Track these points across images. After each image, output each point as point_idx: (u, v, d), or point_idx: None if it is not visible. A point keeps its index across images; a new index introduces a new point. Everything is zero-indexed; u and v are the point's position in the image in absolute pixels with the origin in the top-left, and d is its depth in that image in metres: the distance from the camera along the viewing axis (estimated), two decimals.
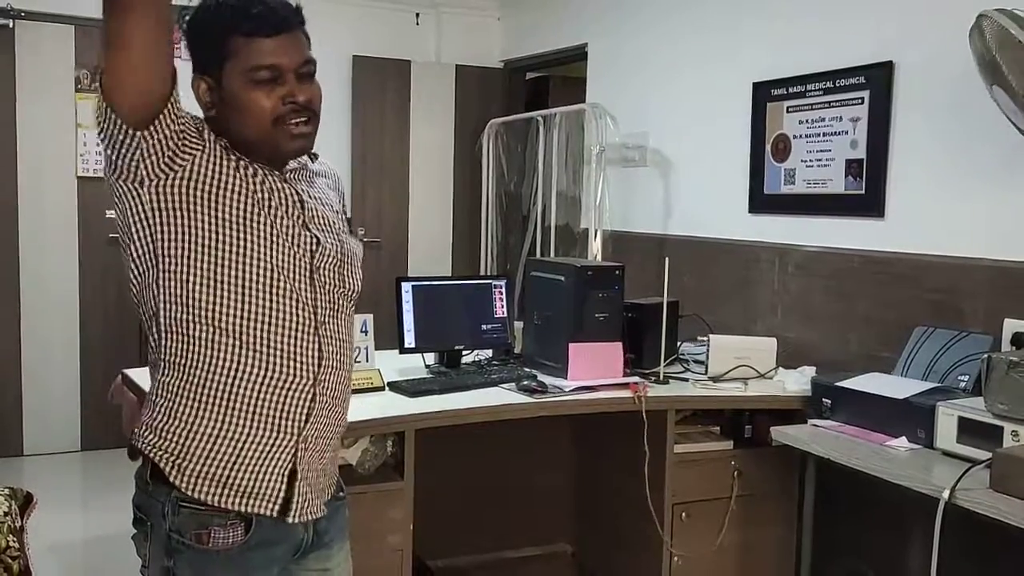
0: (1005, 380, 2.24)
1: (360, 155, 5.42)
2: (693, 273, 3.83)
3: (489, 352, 3.17)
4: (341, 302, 1.62)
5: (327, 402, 1.59)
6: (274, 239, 1.51)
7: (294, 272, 1.53)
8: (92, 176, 4.83)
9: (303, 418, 1.55)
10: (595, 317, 2.88)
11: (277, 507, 1.54)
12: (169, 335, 1.50)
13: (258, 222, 1.50)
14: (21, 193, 4.81)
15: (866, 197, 3.19)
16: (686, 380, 3.00)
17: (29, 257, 4.85)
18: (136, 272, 1.52)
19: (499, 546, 3.36)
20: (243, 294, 1.49)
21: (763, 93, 3.61)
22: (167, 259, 1.47)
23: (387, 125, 5.50)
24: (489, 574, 3.32)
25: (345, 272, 1.63)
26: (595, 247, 4.18)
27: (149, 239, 1.48)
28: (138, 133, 1.39)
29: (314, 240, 1.57)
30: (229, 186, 1.49)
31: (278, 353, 1.52)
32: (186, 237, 1.47)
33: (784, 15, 3.54)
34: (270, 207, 1.52)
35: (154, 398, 1.55)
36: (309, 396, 1.55)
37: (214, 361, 1.49)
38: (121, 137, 1.39)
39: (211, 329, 1.48)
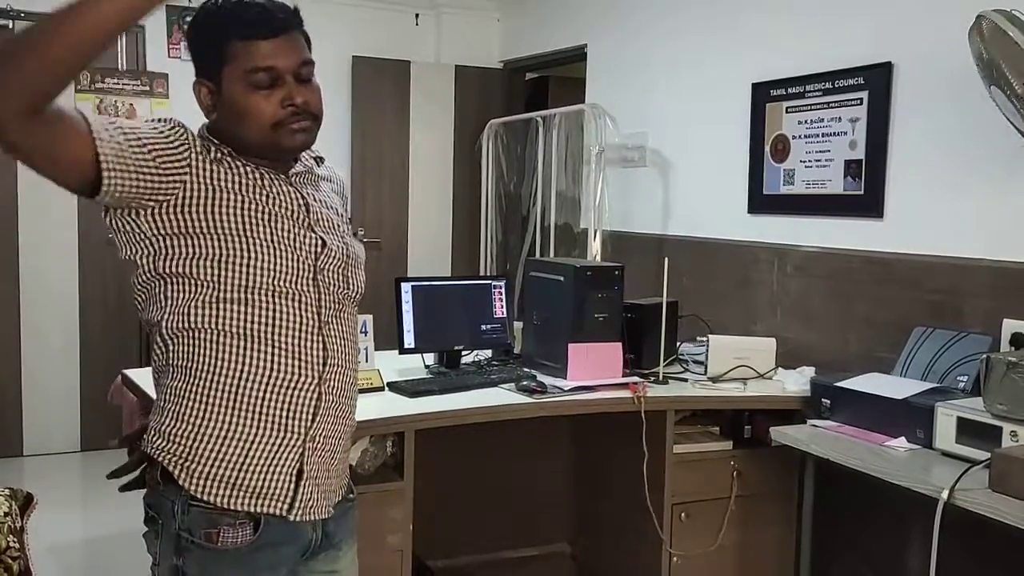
0: (1004, 380, 2.25)
1: (360, 156, 5.42)
2: (692, 273, 3.84)
3: (489, 352, 3.18)
4: (344, 302, 1.64)
5: (333, 401, 1.60)
6: (276, 244, 1.51)
7: (298, 274, 1.54)
8: None
9: (309, 417, 1.56)
10: (595, 317, 2.88)
11: (286, 506, 1.54)
12: (175, 340, 1.52)
13: (259, 231, 1.50)
14: (21, 193, 4.81)
15: (865, 197, 3.19)
16: (685, 380, 3.00)
17: (29, 257, 4.86)
18: (141, 287, 1.54)
19: (499, 546, 3.36)
20: (248, 300, 1.50)
21: (762, 94, 3.61)
22: (172, 276, 1.49)
23: (387, 125, 5.50)
24: (489, 574, 3.33)
25: (348, 273, 1.64)
26: (594, 247, 4.18)
27: (152, 261, 1.49)
28: (102, 195, 1.37)
29: (319, 242, 1.58)
30: (227, 201, 1.49)
31: (283, 353, 1.52)
32: (189, 255, 1.48)
33: (783, 16, 3.55)
34: (271, 214, 1.52)
35: (162, 403, 1.56)
36: (315, 395, 1.56)
37: (220, 363, 1.50)
38: (89, 197, 1.39)
39: (216, 332, 1.50)
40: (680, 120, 4.11)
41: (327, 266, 1.58)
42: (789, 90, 3.49)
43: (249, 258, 1.49)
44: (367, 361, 2.74)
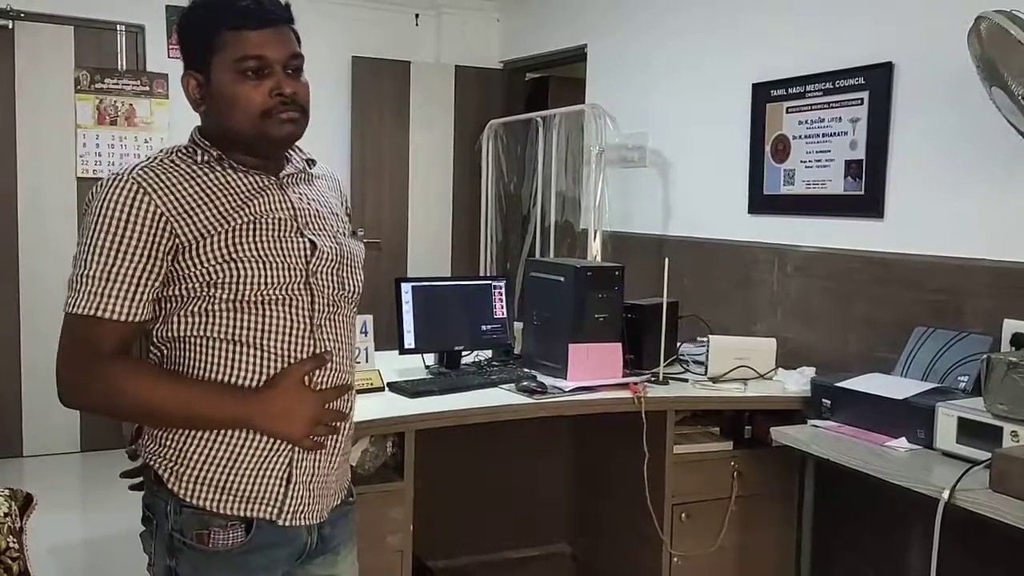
0: (1005, 381, 2.25)
1: (359, 156, 5.42)
2: (693, 274, 3.84)
3: (489, 353, 3.17)
4: (340, 303, 1.61)
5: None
6: (263, 257, 1.49)
7: (289, 280, 1.51)
8: (91, 176, 4.83)
9: None
10: (595, 318, 2.88)
11: (275, 511, 1.53)
12: (167, 347, 1.52)
13: (245, 248, 1.48)
14: (21, 193, 4.81)
15: (865, 198, 3.19)
16: (686, 381, 3.00)
17: (29, 257, 4.85)
18: None
19: (499, 546, 3.36)
20: (238, 308, 1.48)
21: (763, 94, 3.61)
22: (163, 300, 1.49)
23: (386, 126, 5.49)
24: (489, 574, 3.33)
25: (344, 274, 1.62)
26: (595, 248, 4.18)
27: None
28: (159, 313, 1.52)
29: (309, 244, 1.55)
30: (211, 230, 1.46)
31: (273, 357, 1.51)
32: (180, 288, 1.47)
33: (783, 16, 3.55)
34: (257, 224, 1.50)
35: None
36: None
37: (210, 367, 1.49)
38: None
39: (206, 339, 1.49)
40: (680, 120, 4.11)
41: (319, 268, 1.56)
42: (789, 90, 3.49)
43: (238, 276, 1.47)
44: (367, 361, 2.74)
